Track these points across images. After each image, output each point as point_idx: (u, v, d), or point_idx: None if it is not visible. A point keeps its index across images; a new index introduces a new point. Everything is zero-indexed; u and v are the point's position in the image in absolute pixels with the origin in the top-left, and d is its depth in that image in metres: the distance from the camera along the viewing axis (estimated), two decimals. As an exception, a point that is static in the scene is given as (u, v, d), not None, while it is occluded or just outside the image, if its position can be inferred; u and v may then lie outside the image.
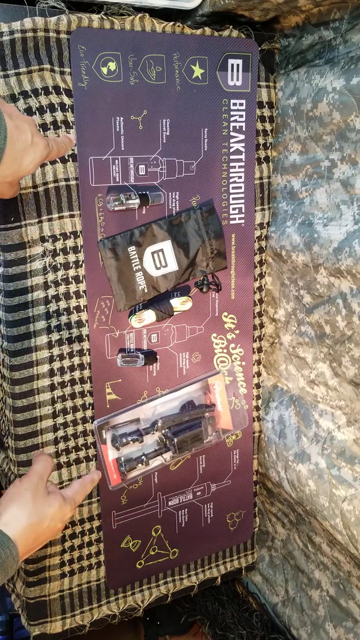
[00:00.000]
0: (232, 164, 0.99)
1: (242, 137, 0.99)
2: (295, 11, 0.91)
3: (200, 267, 0.99)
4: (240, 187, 1.01)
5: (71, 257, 0.91)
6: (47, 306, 0.91)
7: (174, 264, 0.96)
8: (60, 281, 0.91)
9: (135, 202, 0.92)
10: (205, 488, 1.14)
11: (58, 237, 0.89)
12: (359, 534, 0.89)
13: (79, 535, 1.03)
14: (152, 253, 0.95)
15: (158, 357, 1.02)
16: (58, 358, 0.94)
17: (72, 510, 0.72)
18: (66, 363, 0.95)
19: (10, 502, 0.63)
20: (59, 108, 0.84)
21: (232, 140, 0.98)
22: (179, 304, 0.99)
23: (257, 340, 1.12)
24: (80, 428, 0.99)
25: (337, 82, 0.83)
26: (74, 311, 0.94)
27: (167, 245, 0.95)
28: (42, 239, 0.87)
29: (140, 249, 0.94)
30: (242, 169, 1.00)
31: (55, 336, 0.92)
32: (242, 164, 1.00)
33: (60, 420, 0.96)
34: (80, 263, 0.92)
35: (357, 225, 0.84)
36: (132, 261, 0.94)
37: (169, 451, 1.03)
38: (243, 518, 1.20)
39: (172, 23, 0.89)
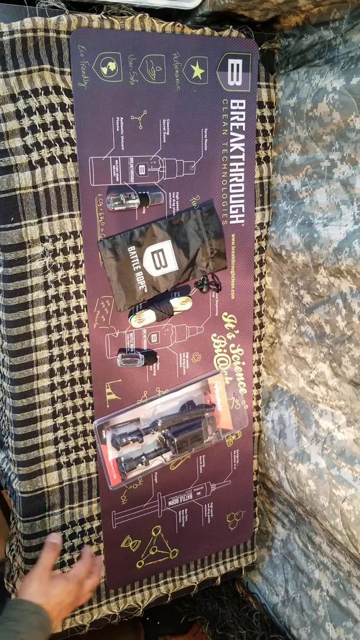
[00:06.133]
0: (232, 164, 0.99)
1: (242, 137, 0.99)
2: (295, 11, 0.91)
3: (200, 267, 0.99)
4: (240, 187, 1.01)
5: (71, 257, 0.91)
6: (47, 306, 0.90)
7: (174, 264, 0.96)
8: (60, 281, 0.91)
9: (135, 202, 0.92)
10: (205, 488, 1.14)
11: (58, 237, 0.89)
12: (359, 534, 0.89)
13: (79, 535, 1.03)
14: (152, 253, 0.95)
15: (158, 357, 1.02)
16: (58, 358, 0.94)
17: (76, 584, 0.88)
18: (66, 363, 0.95)
19: (24, 589, 0.83)
20: (59, 108, 0.84)
21: (232, 140, 0.98)
22: (179, 304, 0.99)
23: (257, 340, 1.12)
24: (80, 428, 0.99)
25: (337, 82, 0.83)
26: (74, 311, 0.94)
27: (167, 245, 0.95)
28: (42, 239, 0.87)
29: (140, 249, 0.94)
30: (242, 169, 1.00)
31: (55, 336, 0.92)
32: (242, 164, 1.00)
33: (60, 420, 0.96)
34: (80, 263, 0.92)
35: (357, 225, 0.84)
36: (132, 261, 0.94)
37: (169, 451, 1.03)
38: (243, 518, 1.20)
39: (172, 23, 0.89)
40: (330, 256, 0.88)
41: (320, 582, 1.10)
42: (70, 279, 0.92)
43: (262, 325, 1.12)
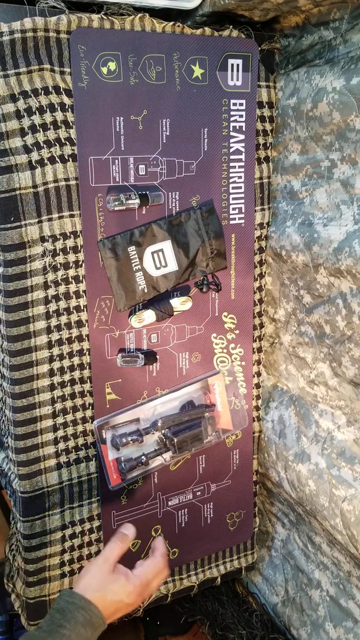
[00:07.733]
0: (232, 164, 0.99)
1: (242, 137, 0.99)
2: (295, 11, 0.91)
3: (200, 267, 0.99)
4: (240, 187, 1.01)
5: (71, 257, 0.91)
6: (47, 306, 0.91)
7: (174, 264, 0.97)
8: (60, 281, 0.91)
9: (135, 202, 0.92)
10: (205, 488, 1.14)
11: (58, 237, 0.89)
12: (359, 534, 0.89)
13: (79, 535, 1.03)
14: (152, 253, 0.95)
15: (158, 357, 1.02)
16: (58, 358, 0.94)
17: (139, 587, 0.78)
18: (66, 363, 0.95)
19: (80, 579, 0.77)
20: (58, 108, 0.84)
21: (232, 140, 0.98)
22: (179, 304, 0.99)
23: (257, 340, 1.12)
24: (80, 428, 0.99)
25: (337, 82, 0.83)
26: (74, 311, 0.94)
27: (167, 245, 0.95)
28: (42, 239, 0.87)
29: (140, 249, 0.94)
30: (242, 169, 1.00)
31: (55, 336, 0.92)
32: (242, 164, 1.00)
33: (60, 420, 0.96)
34: (80, 263, 0.92)
35: (357, 225, 0.84)
36: (132, 261, 0.94)
37: (169, 451, 1.03)
38: (243, 518, 1.20)
39: (172, 23, 0.89)
40: (330, 256, 0.88)
41: (320, 582, 1.10)
42: (70, 279, 0.92)
43: (262, 325, 1.12)
